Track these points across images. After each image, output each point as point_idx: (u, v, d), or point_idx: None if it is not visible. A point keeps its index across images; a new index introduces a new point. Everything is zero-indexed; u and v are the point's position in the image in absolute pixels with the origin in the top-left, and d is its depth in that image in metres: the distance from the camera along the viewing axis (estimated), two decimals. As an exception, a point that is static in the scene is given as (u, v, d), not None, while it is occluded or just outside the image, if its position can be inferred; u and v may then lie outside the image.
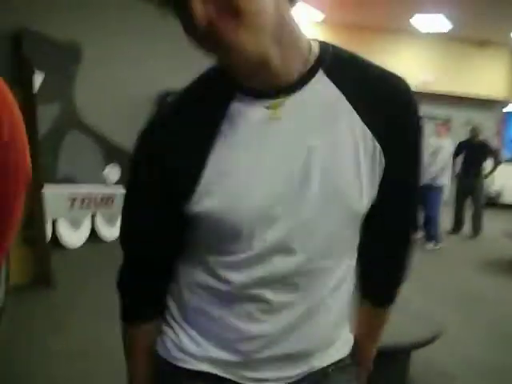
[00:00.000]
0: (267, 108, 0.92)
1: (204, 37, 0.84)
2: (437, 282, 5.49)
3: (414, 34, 11.66)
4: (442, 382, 3.58)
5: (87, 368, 3.40)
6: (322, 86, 0.94)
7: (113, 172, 7.02)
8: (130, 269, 1.09)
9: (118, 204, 6.89)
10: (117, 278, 1.12)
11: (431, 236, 7.70)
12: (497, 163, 8.69)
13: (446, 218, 8.44)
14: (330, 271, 1.00)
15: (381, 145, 0.95)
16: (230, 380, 1.03)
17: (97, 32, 6.71)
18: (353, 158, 0.94)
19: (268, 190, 0.92)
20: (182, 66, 7.62)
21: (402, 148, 0.99)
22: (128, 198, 1.05)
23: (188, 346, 1.05)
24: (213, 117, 0.94)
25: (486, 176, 8.78)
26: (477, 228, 8.77)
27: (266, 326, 0.98)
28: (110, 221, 6.82)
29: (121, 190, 6.94)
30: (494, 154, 8.67)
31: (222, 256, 0.97)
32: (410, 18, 10.63)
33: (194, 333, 1.04)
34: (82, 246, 6.33)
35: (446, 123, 8.29)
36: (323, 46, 0.97)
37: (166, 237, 1.03)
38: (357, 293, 1.17)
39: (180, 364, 1.05)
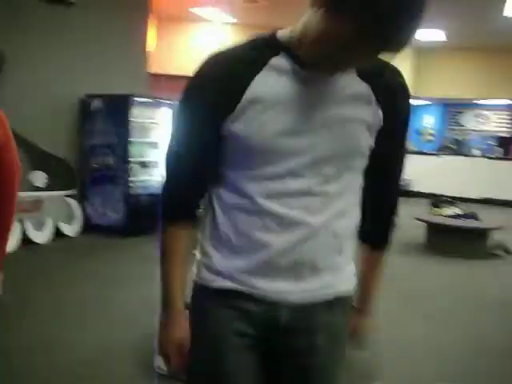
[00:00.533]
0: (307, 72, 1.22)
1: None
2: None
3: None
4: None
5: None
6: None
7: (39, 177, 7.05)
8: (173, 179, 1.37)
9: (46, 209, 6.94)
10: (162, 189, 1.39)
11: None
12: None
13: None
14: (333, 199, 1.29)
15: (381, 108, 1.28)
16: (249, 295, 1.31)
17: (18, 35, 6.72)
18: (362, 113, 1.27)
19: (285, 127, 1.23)
20: (104, 69, 7.77)
21: (396, 113, 1.32)
22: (182, 117, 1.31)
23: (218, 263, 1.33)
24: (258, 61, 1.25)
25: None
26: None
27: (280, 237, 1.27)
28: (38, 225, 6.86)
29: (48, 195, 6.99)
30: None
31: (245, 172, 1.28)
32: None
33: (224, 250, 1.33)
34: (13, 251, 6.34)
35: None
36: None
37: (207, 152, 1.30)
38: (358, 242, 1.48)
39: (209, 284, 1.34)
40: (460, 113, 15.56)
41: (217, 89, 1.23)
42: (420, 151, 13.78)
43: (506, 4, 9.18)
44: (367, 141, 1.29)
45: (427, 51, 13.24)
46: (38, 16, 7.02)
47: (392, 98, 1.30)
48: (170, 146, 1.36)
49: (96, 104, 7.62)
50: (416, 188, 13.04)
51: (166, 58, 11.46)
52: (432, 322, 4.67)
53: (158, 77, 10.30)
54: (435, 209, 7.95)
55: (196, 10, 11.18)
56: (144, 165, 7.90)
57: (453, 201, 8.32)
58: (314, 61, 1.18)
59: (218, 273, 1.34)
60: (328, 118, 1.24)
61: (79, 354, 3.67)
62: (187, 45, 12.06)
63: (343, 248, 1.36)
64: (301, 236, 1.28)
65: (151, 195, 7.51)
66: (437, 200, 8.47)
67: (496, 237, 7.37)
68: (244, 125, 1.23)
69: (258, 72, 1.23)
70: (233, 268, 1.32)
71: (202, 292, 1.38)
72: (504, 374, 3.71)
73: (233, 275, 1.32)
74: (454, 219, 7.52)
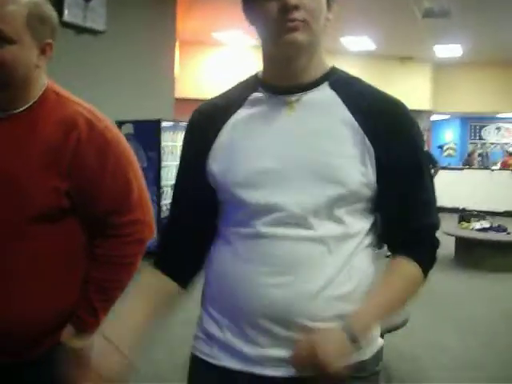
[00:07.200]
0: (285, 101, 1.22)
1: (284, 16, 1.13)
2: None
3: (342, 53, 12.33)
4: (412, 366, 4.05)
5: None
6: (325, 91, 1.24)
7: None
8: (171, 226, 1.41)
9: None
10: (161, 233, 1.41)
11: None
12: (436, 170, 9.44)
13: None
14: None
15: (368, 136, 1.19)
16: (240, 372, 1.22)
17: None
18: (341, 142, 1.19)
19: (255, 164, 1.20)
20: (133, 96, 7.93)
21: (393, 142, 1.21)
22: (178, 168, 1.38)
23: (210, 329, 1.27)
24: (238, 101, 1.28)
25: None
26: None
27: None
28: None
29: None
30: (434, 162, 9.42)
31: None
32: (339, 39, 11.30)
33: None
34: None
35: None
36: (333, 67, 1.30)
37: (201, 198, 1.30)
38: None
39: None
40: (481, 127, 15.59)
41: None
42: (443, 166, 13.82)
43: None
44: (355, 173, 1.21)
45: (445, 66, 13.34)
46: (66, 45, 7.20)
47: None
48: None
49: (126, 129, 7.79)
50: (440, 203, 13.01)
51: (189, 83, 11.63)
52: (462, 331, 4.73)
53: (180, 101, 10.45)
54: (464, 223, 7.98)
55: (219, 35, 11.40)
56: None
57: (481, 214, 8.34)
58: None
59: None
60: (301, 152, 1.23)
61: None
62: (210, 69, 12.27)
63: None
64: None
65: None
66: (465, 214, 8.50)
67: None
68: (216, 164, 1.28)
69: (238, 107, 1.27)
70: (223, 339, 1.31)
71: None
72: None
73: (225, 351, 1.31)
74: (483, 232, 7.54)
